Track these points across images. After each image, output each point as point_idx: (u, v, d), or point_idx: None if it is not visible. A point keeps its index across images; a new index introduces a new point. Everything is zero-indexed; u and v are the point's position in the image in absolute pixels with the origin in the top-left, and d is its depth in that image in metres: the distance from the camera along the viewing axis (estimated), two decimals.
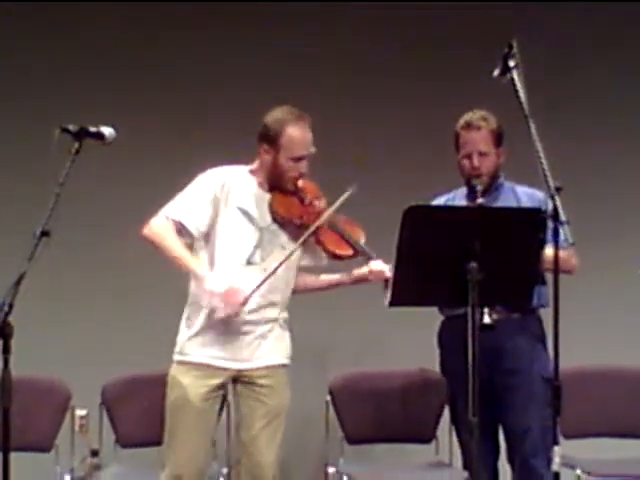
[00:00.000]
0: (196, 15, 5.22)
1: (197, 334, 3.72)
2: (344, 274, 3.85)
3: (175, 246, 3.64)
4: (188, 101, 5.17)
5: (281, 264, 3.61)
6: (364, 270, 3.76)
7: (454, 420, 4.23)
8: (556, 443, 3.14)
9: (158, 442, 4.33)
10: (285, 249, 3.69)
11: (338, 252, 3.75)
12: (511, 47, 3.24)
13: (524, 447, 3.92)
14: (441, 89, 5.15)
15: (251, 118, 3.76)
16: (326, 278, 3.91)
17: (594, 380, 4.61)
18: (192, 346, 3.73)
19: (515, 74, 3.23)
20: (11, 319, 3.01)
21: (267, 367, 3.74)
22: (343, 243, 3.76)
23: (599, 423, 4.55)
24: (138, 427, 4.51)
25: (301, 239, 3.66)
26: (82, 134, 3.24)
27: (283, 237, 3.73)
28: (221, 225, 3.70)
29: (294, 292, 3.84)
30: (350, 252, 3.75)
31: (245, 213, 3.71)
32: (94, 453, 4.42)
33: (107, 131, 3.32)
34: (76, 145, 3.22)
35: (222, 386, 3.74)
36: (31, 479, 3.93)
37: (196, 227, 3.67)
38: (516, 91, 3.22)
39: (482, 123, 3.93)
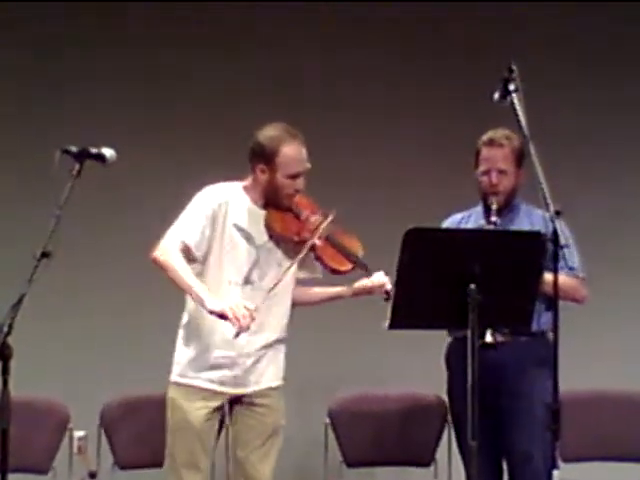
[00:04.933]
0: (197, 34, 5.24)
1: (194, 357, 3.70)
2: (345, 287, 3.82)
3: (181, 272, 3.57)
4: (188, 122, 5.18)
5: (283, 277, 3.60)
6: (365, 282, 3.74)
7: (459, 443, 4.20)
8: (555, 467, 3.13)
9: (156, 464, 4.31)
10: (281, 266, 3.67)
11: (338, 267, 3.72)
12: (511, 71, 3.26)
13: (527, 472, 3.89)
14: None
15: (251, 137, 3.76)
16: (326, 291, 3.88)
17: (594, 404, 4.61)
18: (190, 369, 3.71)
19: (515, 98, 3.24)
20: (10, 340, 3.01)
21: (262, 390, 3.73)
22: (342, 257, 3.73)
23: (598, 447, 4.54)
24: (136, 449, 4.50)
25: (300, 254, 3.64)
26: (83, 155, 3.25)
27: (279, 254, 3.71)
28: (218, 244, 3.67)
29: (293, 306, 3.81)
30: (349, 267, 3.73)
31: (242, 231, 3.69)
32: (92, 475, 4.41)
33: (108, 152, 3.32)
34: (77, 166, 3.23)
35: (220, 407, 3.73)
36: None
37: (198, 247, 3.64)
38: (516, 114, 3.24)
39: (505, 141, 3.91)
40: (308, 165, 3.70)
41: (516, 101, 3.24)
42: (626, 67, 5.31)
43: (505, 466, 4.03)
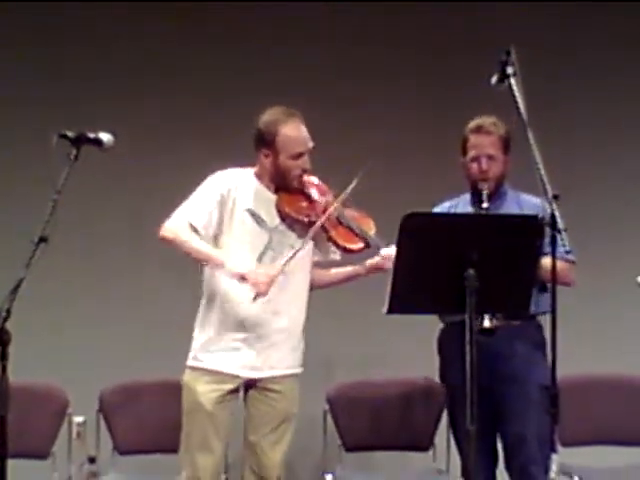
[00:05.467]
0: (196, 25, 5.22)
1: (208, 340, 3.70)
2: (358, 265, 3.84)
3: (194, 242, 3.61)
4: (188, 109, 5.17)
5: (300, 249, 3.62)
6: (378, 258, 3.75)
7: (453, 428, 4.21)
8: (554, 451, 3.14)
9: (155, 449, 4.34)
10: (295, 248, 3.66)
11: (350, 246, 3.73)
12: (509, 54, 3.24)
13: (521, 455, 3.91)
14: (441, 94, 5.17)
15: (252, 124, 3.76)
16: (341, 271, 3.90)
17: (592, 388, 4.61)
18: (203, 352, 3.71)
19: (513, 81, 3.23)
20: (9, 325, 3.01)
21: (277, 376, 3.73)
22: (353, 236, 3.73)
23: (597, 431, 4.54)
24: (136, 434, 4.51)
25: (310, 232, 3.65)
26: (80, 140, 3.24)
27: (292, 237, 3.72)
28: (229, 228, 3.69)
29: (311, 289, 3.82)
30: (361, 245, 3.73)
31: (253, 215, 3.70)
32: (91, 460, 4.43)
33: (105, 137, 3.32)
34: (74, 151, 3.22)
35: (235, 391, 3.73)
36: None
37: (205, 229, 3.65)
38: (514, 99, 3.22)
39: (493, 128, 3.93)
40: (310, 144, 3.70)
41: (514, 85, 3.23)
42: (623, 57, 5.31)
43: (501, 450, 4.05)
